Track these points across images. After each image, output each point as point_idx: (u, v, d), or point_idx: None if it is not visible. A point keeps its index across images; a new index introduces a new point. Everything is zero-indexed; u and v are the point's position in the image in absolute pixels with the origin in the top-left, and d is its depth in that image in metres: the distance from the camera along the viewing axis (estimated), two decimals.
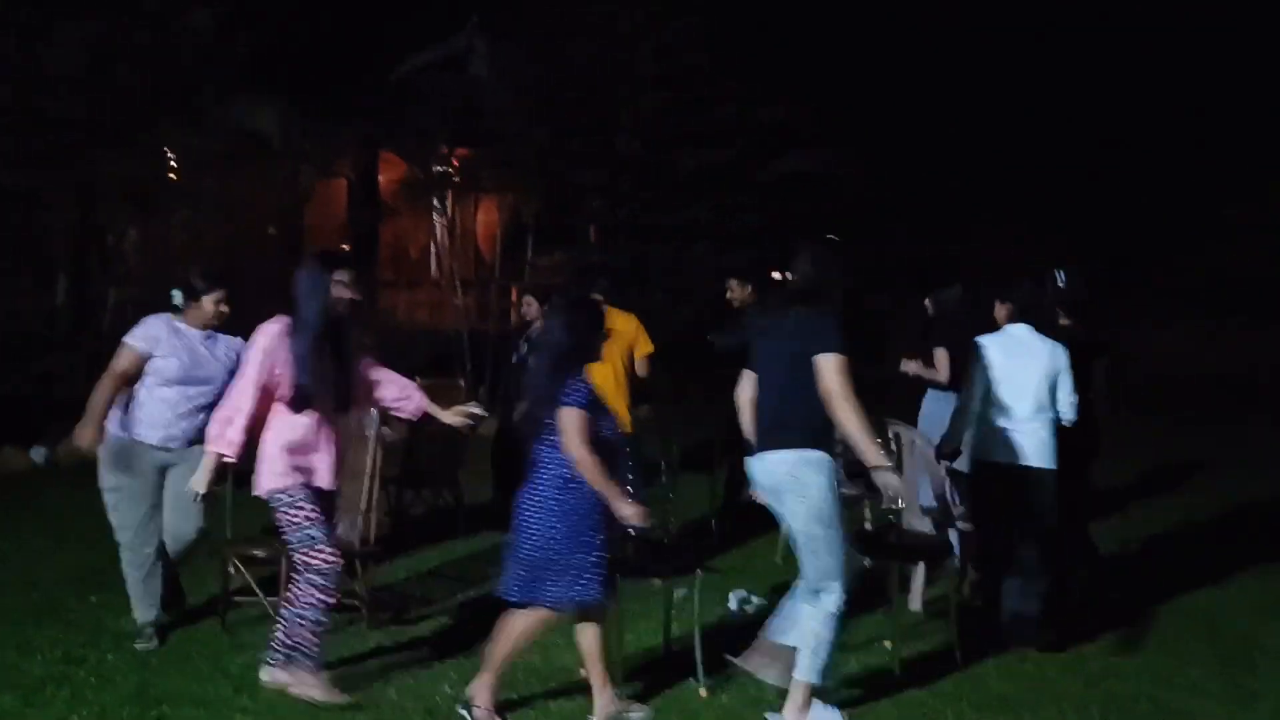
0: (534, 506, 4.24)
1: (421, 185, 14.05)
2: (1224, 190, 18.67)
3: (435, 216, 14.53)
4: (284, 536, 4.57)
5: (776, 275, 6.42)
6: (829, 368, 4.15)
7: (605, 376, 6.03)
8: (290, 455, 4.51)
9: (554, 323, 4.44)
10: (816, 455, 4.21)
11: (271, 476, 4.51)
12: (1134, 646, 5.33)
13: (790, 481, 4.22)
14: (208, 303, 5.05)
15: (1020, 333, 5.31)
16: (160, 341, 5.02)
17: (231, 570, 5.42)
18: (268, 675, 4.54)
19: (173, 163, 11.80)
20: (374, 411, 5.56)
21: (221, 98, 11.37)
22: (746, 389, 4.51)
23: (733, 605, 5.82)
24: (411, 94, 13.49)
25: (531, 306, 7.55)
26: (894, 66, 18.73)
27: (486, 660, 4.33)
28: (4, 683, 4.61)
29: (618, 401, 6.06)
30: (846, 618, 4.35)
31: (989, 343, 5.34)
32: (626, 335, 6.12)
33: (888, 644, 5.11)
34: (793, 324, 4.29)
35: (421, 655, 5.04)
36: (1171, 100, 19.13)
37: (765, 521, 4.65)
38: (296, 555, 4.52)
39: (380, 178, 15.07)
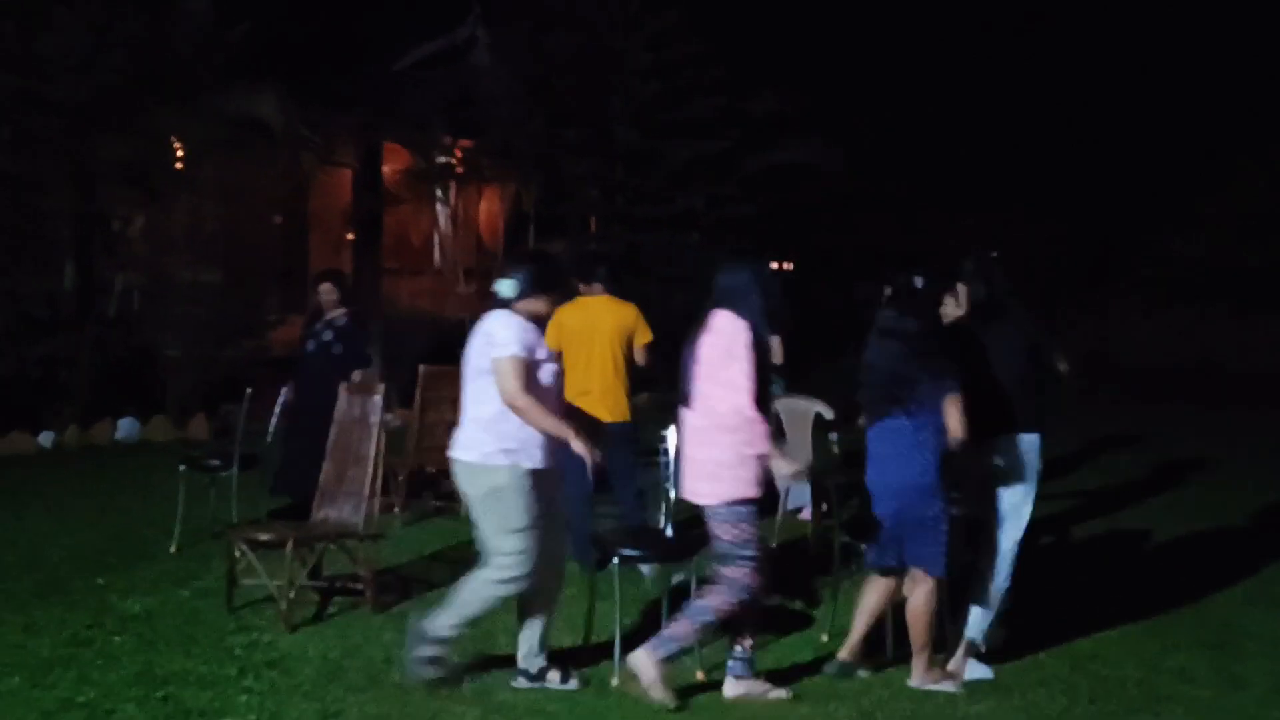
0: (920, 485, 4.45)
1: (424, 174, 14.11)
2: (1199, 181, 18.76)
3: (438, 205, 14.58)
4: (725, 549, 4.20)
5: (774, 265, 6.51)
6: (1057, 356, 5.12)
7: (605, 365, 6.08)
8: (760, 464, 4.17)
9: (900, 313, 4.56)
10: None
11: (746, 484, 4.16)
12: (1122, 631, 5.39)
13: (1030, 460, 4.73)
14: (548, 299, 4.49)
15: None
16: (533, 344, 4.34)
17: (237, 554, 5.46)
18: (731, 690, 4.33)
19: (178, 150, 11.82)
20: (378, 399, 5.64)
21: (220, 84, 11.38)
22: None
23: None
24: (412, 83, 13.52)
25: (332, 294, 6.98)
26: (882, 58, 18.80)
27: (854, 627, 4.68)
28: (11, 664, 4.67)
29: (618, 390, 6.11)
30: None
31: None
32: (626, 324, 6.17)
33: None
34: (1012, 325, 4.85)
35: None
36: (1145, 92, 19.22)
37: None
38: (730, 569, 4.20)
39: (385, 167, 15.10)
